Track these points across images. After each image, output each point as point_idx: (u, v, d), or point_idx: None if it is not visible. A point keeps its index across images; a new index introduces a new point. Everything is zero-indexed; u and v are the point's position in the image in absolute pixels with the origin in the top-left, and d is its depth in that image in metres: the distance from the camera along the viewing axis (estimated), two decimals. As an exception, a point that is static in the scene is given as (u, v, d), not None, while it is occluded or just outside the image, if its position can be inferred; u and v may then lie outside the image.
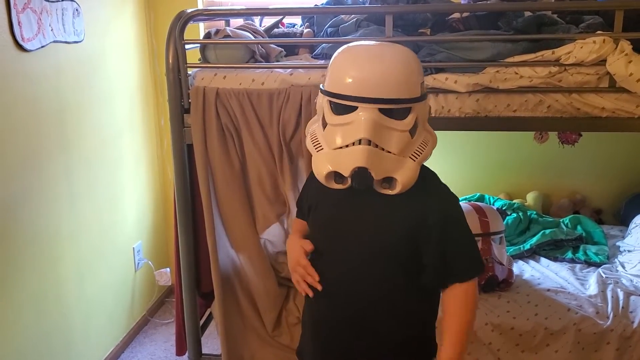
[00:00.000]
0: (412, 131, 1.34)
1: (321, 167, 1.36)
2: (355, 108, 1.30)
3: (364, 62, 1.33)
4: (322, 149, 1.37)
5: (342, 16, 2.21)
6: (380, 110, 1.29)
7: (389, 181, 1.33)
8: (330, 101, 1.35)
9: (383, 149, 1.30)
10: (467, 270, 1.40)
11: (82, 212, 2.57)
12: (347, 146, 1.31)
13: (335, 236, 1.47)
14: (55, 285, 2.40)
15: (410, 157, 1.33)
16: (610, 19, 1.83)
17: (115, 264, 2.91)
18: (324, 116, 1.38)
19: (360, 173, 1.30)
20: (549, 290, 2.31)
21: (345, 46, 1.40)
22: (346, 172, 1.32)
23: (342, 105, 1.32)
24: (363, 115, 1.29)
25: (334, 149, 1.33)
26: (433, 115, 1.93)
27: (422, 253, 1.38)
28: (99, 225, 2.73)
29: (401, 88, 1.30)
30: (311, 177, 1.49)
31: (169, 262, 3.41)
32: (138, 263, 3.12)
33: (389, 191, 1.34)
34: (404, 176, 1.31)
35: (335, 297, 1.45)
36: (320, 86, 1.41)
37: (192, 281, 2.23)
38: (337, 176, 1.35)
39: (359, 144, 1.29)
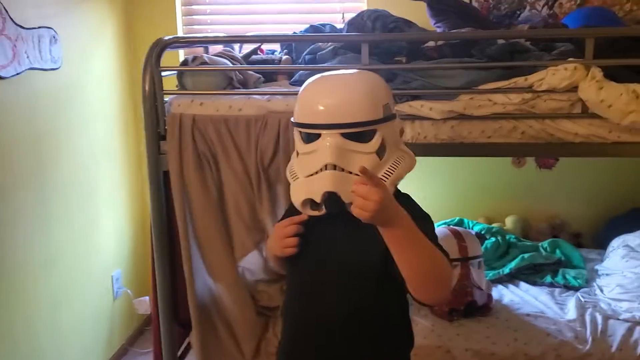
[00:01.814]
0: (380, 153, 1.34)
1: (297, 196, 1.39)
2: (319, 135, 1.33)
3: (321, 91, 1.38)
4: (297, 177, 1.39)
5: (320, 44, 2.23)
6: (344, 134, 1.31)
7: None
8: (299, 131, 1.39)
9: (351, 172, 1.31)
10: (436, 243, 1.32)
11: (56, 240, 2.54)
12: (316, 173, 1.33)
13: (311, 262, 1.46)
14: (26, 318, 2.35)
15: (380, 178, 1.32)
16: (581, 46, 1.86)
17: (93, 293, 2.87)
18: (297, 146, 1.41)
19: (330, 197, 1.31)
20: (528, 315, 2.30)
21: (309, 79, 1.43)
22: (318, 198, 1.33)
23: (310, 134, 1.35)
24: (326, 142, 1.32)
25: (306, 176, 1.36)
26: (410, 141, 1.94)
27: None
28: (74, 253, 2.69)
29: (360, 111, 1.32)
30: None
31: (149, 290, 3.36)
32: (117, 291, 3.08)
33: None
34: None
35: (317, 324, 1.44)
36: (292, 118, 1.43)
37: (169, 310, 2.20)
38: (312, 203, 1.37)
39: (326, 169, 1.31)
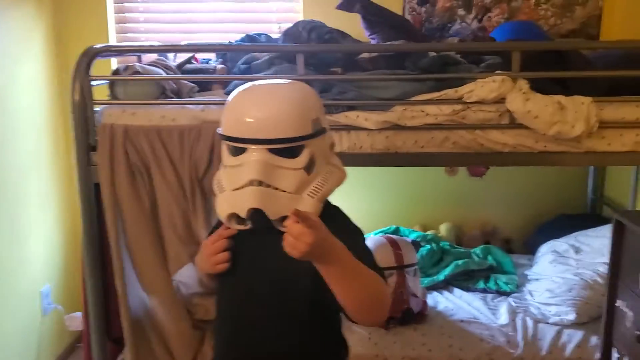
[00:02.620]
0: (309, 168, 1.32)
1: (222, 209, 1.35)
2: (246, 149, 1.30)
3: (249, 103, 1.33)
4: (224, 190, 1.35)
5: (256, 53, 2.22)
6: (271, 149, 1.29)
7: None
8: (226, 143, 1.35)
9: (277, 189, 1.29)
10: (374, 267, 1.31)
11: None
12: (242, 188, 1.30)
13: (242, 279, 1.43)
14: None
15: (308, 195, 1.32)
16: (508, 59, 1.92)
17: (20, 309, 2.75)
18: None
19: (255, 214, 1.28)
20: (462, 321, 2.36)
21: (237, 88, 1.40)
22: (242, 214, 1.30)
23: (236, 147, 1.32)
24: (252, 157, 1.29)
25: (232, 190, 1.32)
26: (347, 151, 1.95)
27: None
28: (0, 268, 2.57)
29: (287, 127, 1.29)
30: None
31: (81, 306, 3.24)
32: (46, 307, 2.96)
33: None
34: None
35: (247, 343, 1.41)
36: (218, 129, 1.39)
37: (101, 326, 2.13)
38: (238, 218, 1.33)
39: (252, 185, 1.28)
